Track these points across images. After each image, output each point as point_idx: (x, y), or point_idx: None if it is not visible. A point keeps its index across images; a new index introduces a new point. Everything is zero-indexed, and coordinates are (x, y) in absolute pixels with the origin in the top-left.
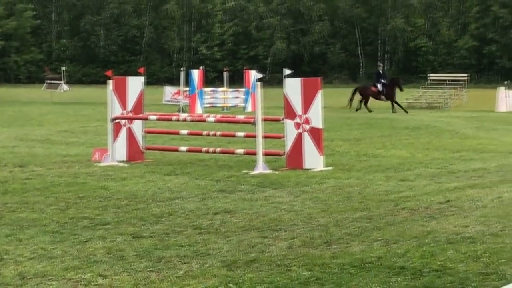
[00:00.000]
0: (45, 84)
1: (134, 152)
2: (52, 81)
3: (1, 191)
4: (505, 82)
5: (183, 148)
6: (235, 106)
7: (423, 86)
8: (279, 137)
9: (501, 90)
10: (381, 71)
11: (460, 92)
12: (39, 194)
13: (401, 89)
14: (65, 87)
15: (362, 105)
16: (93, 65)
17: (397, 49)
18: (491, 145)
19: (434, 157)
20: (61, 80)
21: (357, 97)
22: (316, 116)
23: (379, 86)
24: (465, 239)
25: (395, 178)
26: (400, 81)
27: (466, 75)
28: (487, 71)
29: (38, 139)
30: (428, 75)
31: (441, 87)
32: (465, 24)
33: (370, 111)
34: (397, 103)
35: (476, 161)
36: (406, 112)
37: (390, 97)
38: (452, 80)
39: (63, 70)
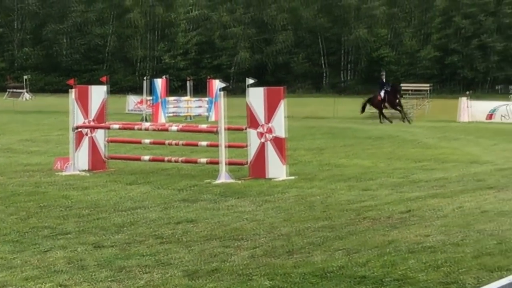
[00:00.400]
0: (7, 93)
1: (96, 161)
2: (15, 90)
3: None
4: (467, 92)
5: (146, 157)
6: (199, 115)
7: None
8: (242, 147)
9: (463, 100)
10: (383, 80)
11: (423, 102)
12: (0, 203)
13: (400, 96)
14: (27, 95)
15: (383, 119)
16: (56, 74)
17: (360, 59)
18: (453, 155)
19: (396, 167)
20: (23, 88)
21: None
22: (279, 125)
23: (382, 94)
24: (426, 249)
25: (358, 187)
26: (399, 87)
27: (428, 85)
28: (449, 81)
29: None
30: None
31: (403, 97)
32: (427, 34)
33: (390, 121)
34: (400, 109)
35: (438, 171)
36: (409, 122)
37: (392, 104)
38: (414, 90)
39: (25, 79)
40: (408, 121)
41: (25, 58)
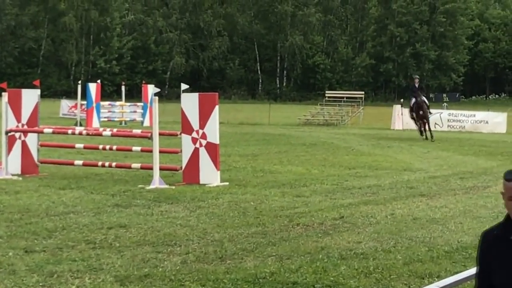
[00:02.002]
0: None
1: (28, 166)
2: None
3: None
4: (401, 100)
5: (79, 162)
6: (133, 120)
7: (321, 103)
8: (176, 152)
9: (397, 108)
10: (416, 85)
11: (357, 109)
12: None
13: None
14: None
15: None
16: None
17: (295, 66)
18: (386, 162)
19: (330, 174)
20: None
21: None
22: (213, 131)
23: (411, 103)
24: (357, 255)
25: (291, 194)
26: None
27: (362, 92)
28: (384, 89)
29: None
30: (326, 92)
31: (338, 104)
32: (362, 42)
33: (426, 138)
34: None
35: (371, 178)
36: (432, 139)
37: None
38: (349, 98)
39: None
40: (432, 138)
41: None
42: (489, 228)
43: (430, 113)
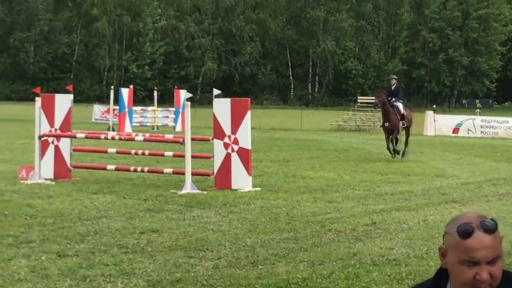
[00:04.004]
0: None
1: (61, 170)
2: None
3: None
4: (433, 106)
5: (111, 167)
6: (165, 125)
7: (353, 109)
8: (208, 157)
9: (429, 114)
10: (393, 87)
11: None
12: None
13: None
14: None
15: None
16: (22, 82)
17: (327, 72)
18: (418, 168)
19: (362, 179)
20: None
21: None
22: (245, 136)
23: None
24: (390, 261)
25: (323, 199)
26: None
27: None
28: (416, 94)
29: None
30: (358, 97)
31: (370, 110)
32: (394, 48)
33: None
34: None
35: (403, 183)
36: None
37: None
38: None
39: None
40: (401, 154)
41: None
42: (418, 284)
43: (404, 125)
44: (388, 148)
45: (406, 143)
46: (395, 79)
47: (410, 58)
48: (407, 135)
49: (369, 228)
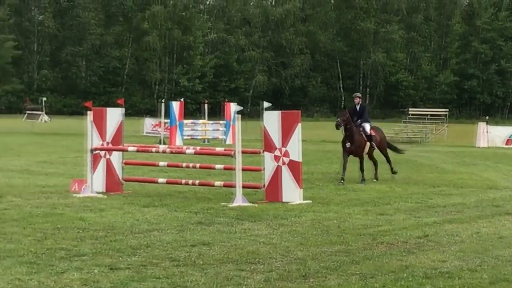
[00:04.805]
0: (25, 115)
1: (112, 184)
2: (33, 112)
3: None
4: (486, 117)
5: (162, 180)
6: (215, 138)
7: (404, 121)
8: (258, 170)
9: (481, 126)
10: (357, 106)
11: (441, 126)
12: (17, 225)
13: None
14: (46, 117)
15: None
16: (73, 96)
17: (378, 83)
18: (471, 180)
19: (413, 192)
20: (41, 110)
21: None
22: (295, 149)
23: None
24: (442, 274)
25: (374, 212)
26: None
27: (446, 110)
28: (468, 106)
29: (17, 169)
30: (409, 109)
31: (421, 122)
32: (446, 59)
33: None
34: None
35: (455, 196)
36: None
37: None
38: (432, 115)
39: (43, 101)
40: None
41: (44, 80)
42: None
43: (373, 147)
44: (343, 168)
45: (388, 161)
46: (358, 97)
47: (461, 69)
48: (385, 155)
49: (421, 240)
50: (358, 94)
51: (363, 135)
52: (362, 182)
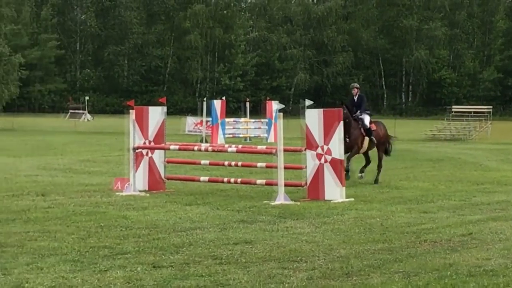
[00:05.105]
0: (68, 114)
1: (154, 182)
2: (75, 111)
3: (23, 219)
4: None
5: (204, 178)
6: (257, 136)
7: (447, 118)
8: (300, 168)
9: None
10: (355, 97)
11: (485, 124)
12: (60, 223)
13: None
14: (88, 116)
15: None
16: (116, 95)
17: (421, 81)
18: None
19: (457, 189)
20: (84, 109)
21: None
22: (337, 147)
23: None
24: (487, 272)
25: (417, 210)
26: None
27: (490, 107)
28: None
29: (60, 168)
30: (452, 107)
31: (465, 119)
32: (489, 55)
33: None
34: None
35: (499, 193)
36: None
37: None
38: (476, 112)
39: (86, 100)
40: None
41: (86, 79)
42: None
43: (373, 141)
44: (347, 167)
45: (378, 166)
46: (356, 88)
47: (505, 66)
48: (379, 157)
49: (465, 238)
50: (356, 85)
51: (361, 129)
52: (375, 182)
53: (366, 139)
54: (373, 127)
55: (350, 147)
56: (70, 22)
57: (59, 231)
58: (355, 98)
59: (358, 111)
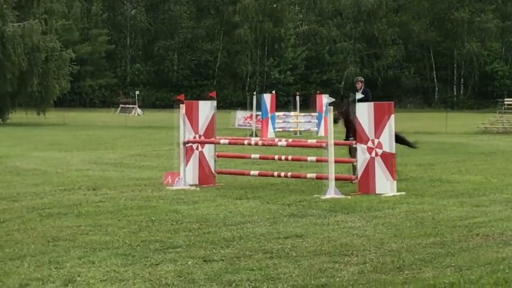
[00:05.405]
0: (119, 108)
1: (205, 176)
2: (126, 105)
3: (75, 213)
4: None
5: (254, 172)
6: (307, 130)
7: (499, 111)
8: (351, 162)
9: None
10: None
11: None
12: (112, 217)
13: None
14: (139, 111)
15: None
16: (166, 89)
17: (472, 73)
18: None
19: (509, 183)
20: (134, 104)
21: None
22: (388, 140)
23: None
24: None
25: (469, 203)
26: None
27: None
28: None
29: (111, 162)
30: (504, 99)
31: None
32: None
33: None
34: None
35: None
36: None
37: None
38: None
39: (136, 94)
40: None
41: (136, 74)
42: None
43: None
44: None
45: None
46: (360, 81)
47: None
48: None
49: None
50: (360, 78)
51: None
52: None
53: None
54: None
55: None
56: (120, 17)
57: (110, 225)
58: (359, 92)
59: None
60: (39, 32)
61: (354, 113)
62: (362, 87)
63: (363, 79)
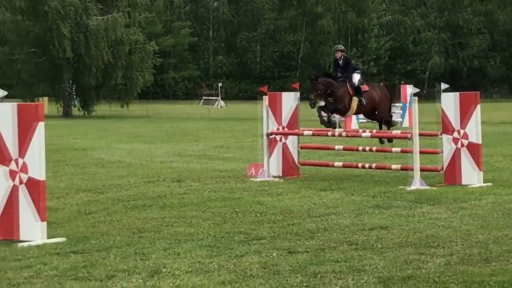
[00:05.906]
0: (202, 100)
1: (288, 168)
2: (209, 97)
3: (160, 205)
4: None
5: (338, 164)
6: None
7: None
8: (436, 153)
9: None
10: (340, 61)
11: None
12: (196, 209)
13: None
14: (222, 103)
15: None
16: (248, 81)
17: None
18: None
19: None
20: (217, 96)
21: None
22: (474, 131)
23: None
24: None
25: None
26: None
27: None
28: None
29: (195, 154)
30: None
31: None
32: None
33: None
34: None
35: None
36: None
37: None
38: None
39: (219, 86)
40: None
41: (219, 66)
42: None
43: (361, 102)
44: (323, 122)
45: (389, 140)
46: (340, 50)
47: None
48: (379, 121)
49: None
50: (340, 47)
51: (348, 87)
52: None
53: (355, 99)
54: (365, 88)
55: (335, 107)
56: (203, 9)
57: (194, 216)
58: (340, 62)
59: (345, 74)
60: (122, 25)
61: (344, 81)
62: (342, 56)
63: (343, 47)
